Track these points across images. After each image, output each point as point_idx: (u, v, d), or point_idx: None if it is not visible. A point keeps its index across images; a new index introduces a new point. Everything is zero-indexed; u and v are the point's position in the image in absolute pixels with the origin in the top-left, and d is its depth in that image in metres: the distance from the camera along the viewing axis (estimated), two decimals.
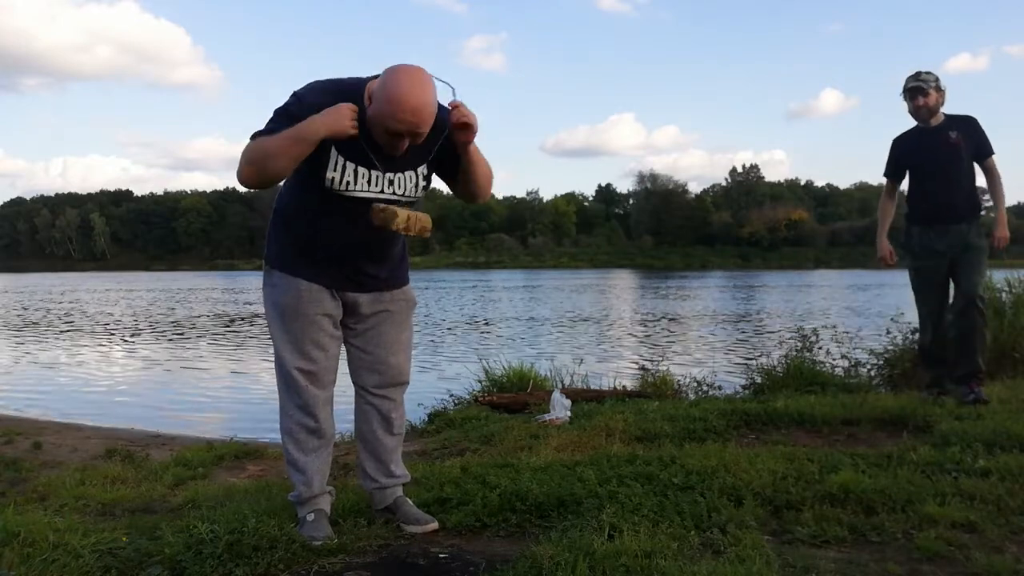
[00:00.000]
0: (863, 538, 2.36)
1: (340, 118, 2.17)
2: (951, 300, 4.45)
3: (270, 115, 2.27)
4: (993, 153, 4.42)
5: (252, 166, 2.22)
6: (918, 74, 4.36)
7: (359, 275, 2.50)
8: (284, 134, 2.17)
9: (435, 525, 2.53)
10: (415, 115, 2.18)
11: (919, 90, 4.35)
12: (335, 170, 2.29)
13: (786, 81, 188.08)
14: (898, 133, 4.64)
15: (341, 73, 2.38)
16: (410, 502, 2.63)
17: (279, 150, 2.17)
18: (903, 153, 4.57)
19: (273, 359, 2.50)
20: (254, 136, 2.24)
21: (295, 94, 2.29)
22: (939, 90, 4.37)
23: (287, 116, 2.22)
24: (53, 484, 3.55)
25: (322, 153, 2.26)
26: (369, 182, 2.34)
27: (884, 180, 4.72)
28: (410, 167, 2.41)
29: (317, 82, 2.33)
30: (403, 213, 2.28)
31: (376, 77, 2.27)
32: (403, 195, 2.42)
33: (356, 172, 2.32)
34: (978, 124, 4.42)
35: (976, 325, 4.29)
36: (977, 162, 4.41)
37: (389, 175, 2.37)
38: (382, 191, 2.37)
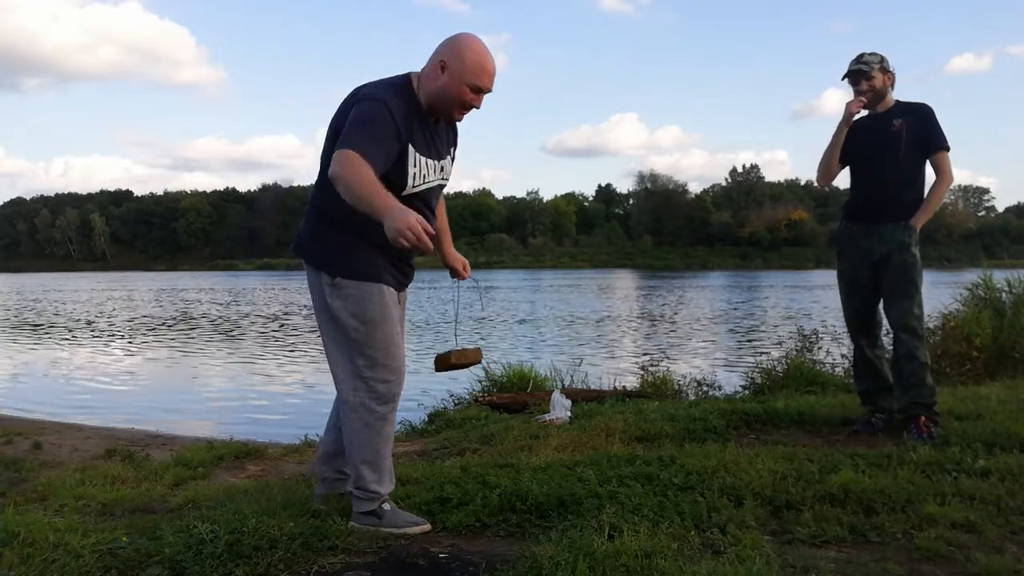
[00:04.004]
0: (863, 538, 2.36)
1: (407, 221, 2.11)
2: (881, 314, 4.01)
3: (361, 121, 2.31)
4: (944, 148, 3.79)
5: (341, 185, 2.23)
6: (860, 56, 3.87)
7: (409, 273, 2.66)
8: (370, 194, 2.18)
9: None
10: (494, 70, 2.47)
11: (861, 73, 3.84)
12: (415, 166, 2.45)
13: (789, 81, 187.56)
14: None
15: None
16: None
17: (358, 197, 2.20)
18: (849, 139, 3.98)
19: (346, 376, 2.47)
20: (355, 146, 2.24)
21: (373, 97, 2.36)
22: (885, 72, 3.85)
23: (386, 122, 2.33)
24: (53, 484, 3.55)
25: (404, 156, 2.40)
26: (433, 171, 2.54)
27: None
28: (448, 152, 2.62)
29: (378, 82, 2.47)
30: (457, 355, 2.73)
31: (407, 74, 2.49)
32: (445, 178, 2.63)
33: (427, 164, 2.48)
34: (931, 113, 3.83)
35: (912, 353, 3.76)
36: (927, 157, 3.83)
37: (441, 162, 2.59)
38: (437, 176, 2.57)
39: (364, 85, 2.50)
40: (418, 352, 10.81)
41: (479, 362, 2.84)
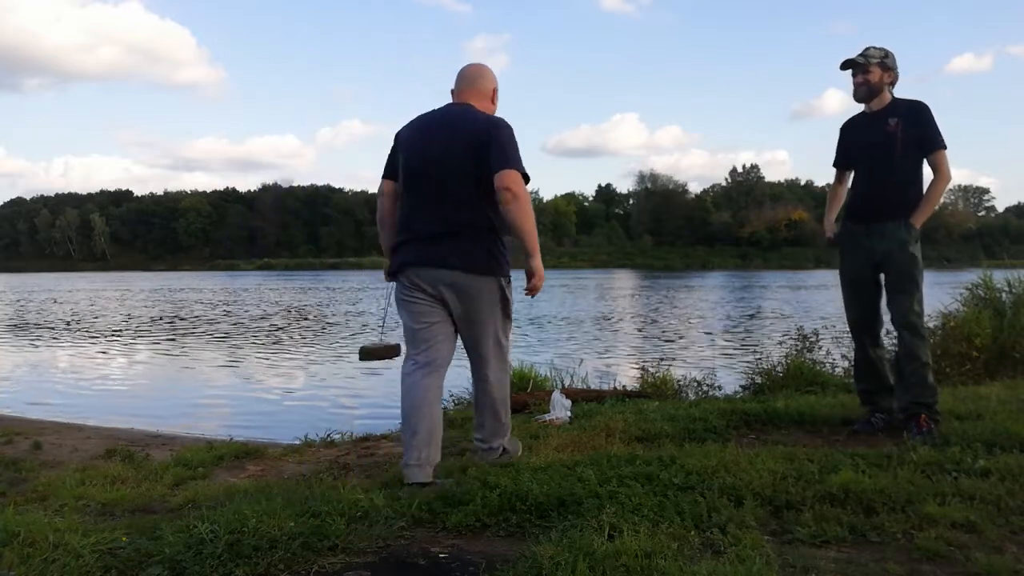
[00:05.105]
0: (863, 538, 2.36)
1: (543, 275, 3.15)
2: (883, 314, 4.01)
3: (515, 146, 3.01)
4: (941, 147, 3.75)
5: (519, 204, 2.95)
6: (866, 49, 3.84)
7: None
8: (533, 229, 3.02)
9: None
10: None
11: (857, 65, 3.83)
12: None
13: (789, 81, 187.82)
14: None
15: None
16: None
17: (525, 224, 2.98)
18: (848, 139, 4.05)
19: (502, 353, 3.24)
20: (520, 166, 2.97)
21: (509, 125, 3.04)
22: (885, 68, 3.82)
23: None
24: (53, 484, 3.55)
25: None
26: None
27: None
28: None
29: (480, 112, 3.11)
30: None
31: (460, 106, 3.14)
32: None
33: None
34: (926, 112, 3.78)
35: (913, 352, 3.77)
36: (924, 156, 3.80)
37: None
38: None
39: (485, 115, 3.09)
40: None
41: (399, 355, 3.29)
